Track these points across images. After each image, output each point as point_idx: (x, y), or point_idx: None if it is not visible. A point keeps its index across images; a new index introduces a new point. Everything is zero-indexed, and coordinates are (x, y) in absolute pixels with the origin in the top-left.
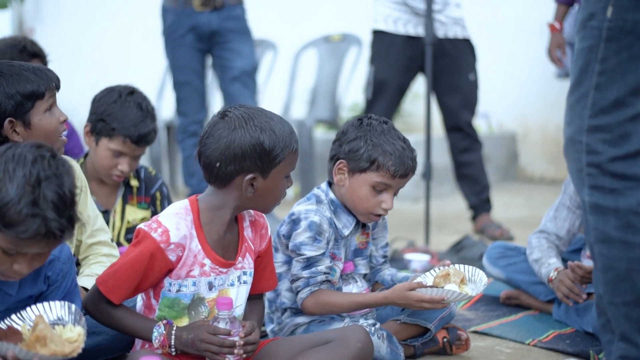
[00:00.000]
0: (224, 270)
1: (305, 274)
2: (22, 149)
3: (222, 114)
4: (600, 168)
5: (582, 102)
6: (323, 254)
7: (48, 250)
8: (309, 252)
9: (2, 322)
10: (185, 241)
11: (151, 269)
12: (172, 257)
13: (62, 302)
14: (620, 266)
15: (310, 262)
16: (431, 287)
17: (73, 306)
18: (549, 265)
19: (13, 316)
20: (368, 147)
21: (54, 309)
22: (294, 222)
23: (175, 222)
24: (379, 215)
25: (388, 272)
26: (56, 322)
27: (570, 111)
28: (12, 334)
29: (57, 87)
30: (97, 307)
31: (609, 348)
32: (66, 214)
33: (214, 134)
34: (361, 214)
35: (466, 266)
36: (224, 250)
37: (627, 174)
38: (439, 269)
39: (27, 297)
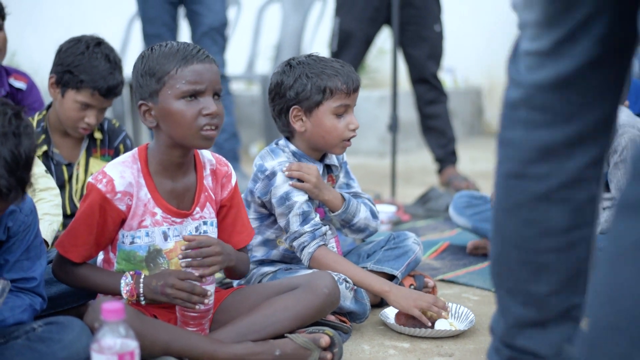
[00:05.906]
0: (178, 220)
1: (307, 228)
2: None
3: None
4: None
5: None
6: (308, 200)
7: None
8: (298, 197)
9: None
10: (132, 189)
11: (104, 221)
12: (122, 206)
13: None
14: None
15: (306, 216)
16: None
17: None
18: None
19: None
20: (312, 80)
21: None
22: (269, 177)
23: (120, 170)
24: (350, 140)
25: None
26: None
27: None
28: None
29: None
30: (62, 269)
31: None
32: (17, 174)
33: None
34: (334, 145)
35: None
36: (179, 199)
37: None
38: None
39: None
